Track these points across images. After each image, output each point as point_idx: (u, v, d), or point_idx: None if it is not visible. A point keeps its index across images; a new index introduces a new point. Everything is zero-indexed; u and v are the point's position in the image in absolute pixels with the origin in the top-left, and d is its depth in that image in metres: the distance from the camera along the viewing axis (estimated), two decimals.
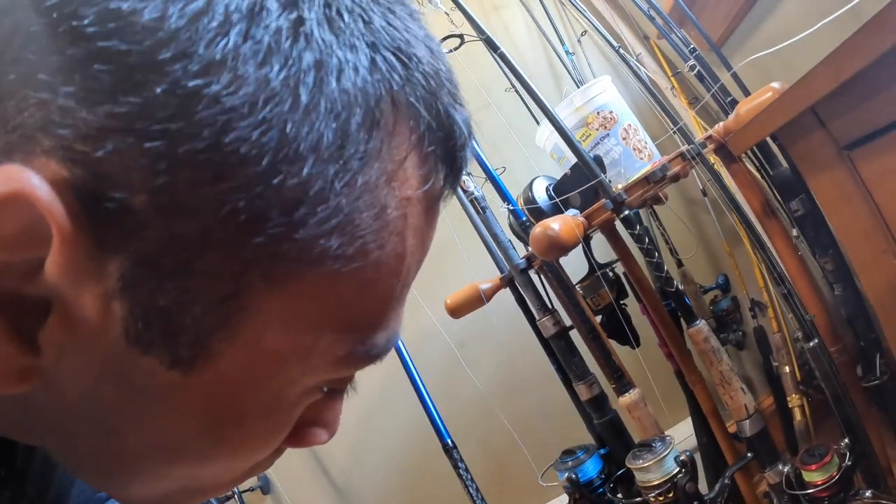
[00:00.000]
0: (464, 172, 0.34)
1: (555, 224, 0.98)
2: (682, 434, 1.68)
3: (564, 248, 1.00)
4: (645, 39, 1.88)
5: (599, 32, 1.57)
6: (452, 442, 1.37)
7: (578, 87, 1.61)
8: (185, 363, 0.27)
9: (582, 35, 1.98)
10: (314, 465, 1.95)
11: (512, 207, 1.23)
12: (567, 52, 1.88)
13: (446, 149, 0.31)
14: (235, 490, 1.75)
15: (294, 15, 0.25)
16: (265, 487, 1.88)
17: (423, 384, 1.40)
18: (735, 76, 1.40)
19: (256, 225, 0.25)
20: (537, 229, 0.99)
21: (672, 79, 1.69)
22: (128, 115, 0.23)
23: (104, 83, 0.23)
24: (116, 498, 0.36)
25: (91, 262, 0.25)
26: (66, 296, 0.25)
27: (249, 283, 0.26)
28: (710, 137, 1.14)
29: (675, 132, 1.21)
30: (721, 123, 1.15)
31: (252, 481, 1.83)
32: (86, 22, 0.23)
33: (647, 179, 1.08)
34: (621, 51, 1.47)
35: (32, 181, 0.23)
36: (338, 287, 0.28)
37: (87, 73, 0.23)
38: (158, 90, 0.23)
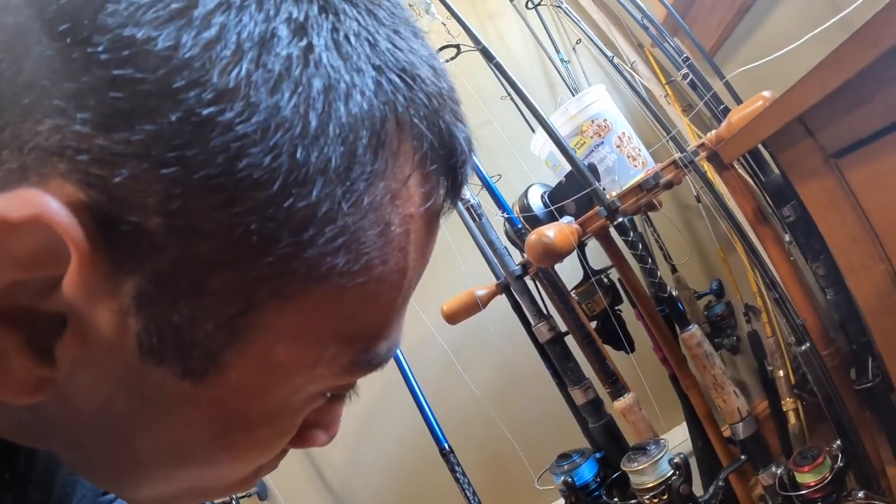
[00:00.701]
0: (464, 188, 0.35)
1: (549, 231, 1.00)
2: (678, 438, 1.69)
3: (559, 255, 1.01)
4: (639, 48, 1.90)
5: (594, 41, 1.59)
6: (449, 446, 1.38)
7: (573, 96, 1.63)
8: (196, 374, 0.28)
9: (577, 44, 2.00)
10: (311, 471, 1.95)
11: (507, 215, 1.25)
12: (562, 61, 1.91)
13: (448, 166, 0.32)
14: (233, 496, 1.76)
15: (304, 42, 0.26)
16: (262, 493, 1.88)
17: (420, 390, 1.41)
18: (727, 84, 1.42)
19: (267, 245, 0.26)
20: (532, 236, 1.01)
21: (666, 87, 1.70)
22: (143, 141, 0.24)
23: (120, 110, 0.24)
24: (125, 499, 0.37)
25: (107, 281, 0.25)
26: (82, 312, 0.26)
27: (259, 301, 0.27)
28: (702, 145, 1.16)
29: (667, 140, 1.22)
30: (713, 131, 1.17)
31: None
32: (100, 49, 0.23)
33: (640, 187, 1.10)
34: (615, 60, 1.49)
35: (51, 205, 0.23)
36: (343, 301, 0.29)
37: (103, 99, 0.24)
38: (173, 118, 0.24)
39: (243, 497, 1.79)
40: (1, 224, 0.23)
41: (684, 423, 1.51)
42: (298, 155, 0.25)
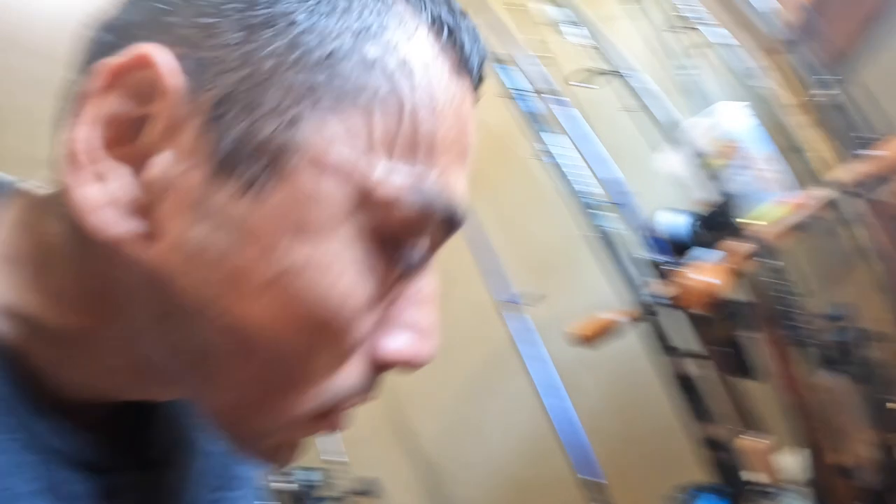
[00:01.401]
0: (482, 66, 0.41)
1: (714, 277, 0.97)
2: (794, 470, 1.64)
3: (715, 299, 0.99)
4: (772, 60, 1.81)
5: (725, 51, 1.53)
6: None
7: (702, 112, 1.58)
8: (259, 186, 0.33)
9: (702, 54, 1.91)
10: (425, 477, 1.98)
11: (656, 249, 1.21)
12: (689, 73, 1.83)
13: (451, 29, 0.38)
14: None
15: None
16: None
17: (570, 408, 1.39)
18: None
19: (306, 60, 0.33)
20: (693, 282, 0.98)
21: (804, 106, 1.62)
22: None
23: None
24: (206, 409, 0.38)
25: (190, 104, 0.33)
26: (169, 139, 0.33)
27: (309, 105, 0.33)
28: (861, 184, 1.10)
29: (807, 166, 1.18)
30: (873, 164, 1.10)
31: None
32: None
33: (796, 226, 1.06)
34: (753, 78, 1.43)
35: (155, 49, 0.32)
36: (380, 117, 0.35)
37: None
38: None
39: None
40: (110, 73, 0.32)
41: (802, 454, 1.46)
42: None
